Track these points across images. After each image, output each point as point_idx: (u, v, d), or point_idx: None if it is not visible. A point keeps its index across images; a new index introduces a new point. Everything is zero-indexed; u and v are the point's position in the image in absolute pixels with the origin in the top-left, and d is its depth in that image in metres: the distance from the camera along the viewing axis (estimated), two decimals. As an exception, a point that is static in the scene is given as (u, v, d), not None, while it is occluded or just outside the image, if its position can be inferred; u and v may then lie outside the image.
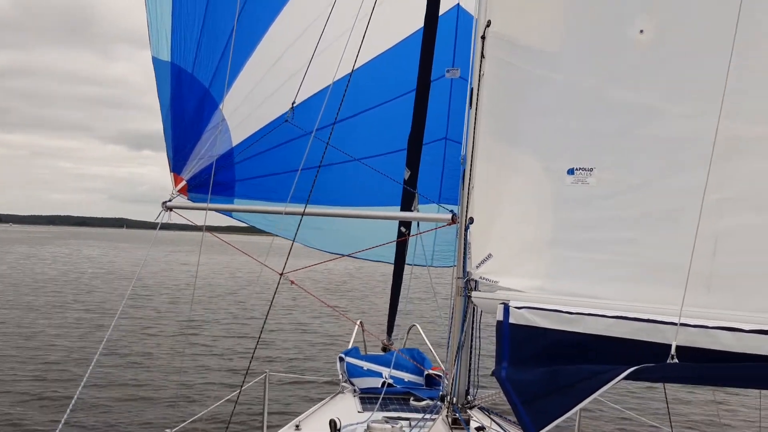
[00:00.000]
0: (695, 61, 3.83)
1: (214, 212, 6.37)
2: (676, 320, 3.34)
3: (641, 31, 3.97)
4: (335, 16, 5.39)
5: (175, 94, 6.43)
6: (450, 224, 5.08)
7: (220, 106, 6.44)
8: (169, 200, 6.31)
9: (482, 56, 4.46)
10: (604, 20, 4.12)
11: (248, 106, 6.52)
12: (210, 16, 6.12)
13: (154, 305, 25.02)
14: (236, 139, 6.63)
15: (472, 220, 4.60)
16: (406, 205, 5.82)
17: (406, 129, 5.88)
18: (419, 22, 5.66)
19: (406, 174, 6.07)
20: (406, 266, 6.86)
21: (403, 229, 6.63)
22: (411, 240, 6.34)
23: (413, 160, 6.02)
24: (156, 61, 6.36)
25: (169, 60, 6.30)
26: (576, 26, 4.19)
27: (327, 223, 7.08)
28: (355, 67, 5.21)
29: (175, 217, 6.25)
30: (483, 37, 4.43)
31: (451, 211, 5.12)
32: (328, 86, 5.40)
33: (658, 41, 3.93)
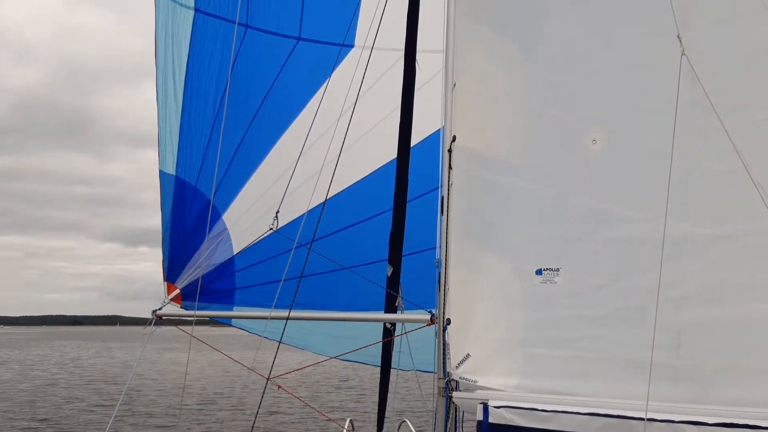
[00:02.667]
0: (643, 167, 4.16)
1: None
2: (644, 415, 3.51)
3: (594, 141, 4.32)
4: (328, 137, 5.81)
5: (177, 206, 6.79)
6: (429, 325, 5.27)
7: (223, 216, 6.80)
8: (160, 308, 6.50)
9: (450, 167, 4.79)
10: (559, 132, 4.48)
11: (251, 217, 6.87)
12: (216, 132, 6.56)
13: (139, 419, 23.51)
14: (237, 247, 6.94)
15: (449, 322, 4.79)
16: (390, 307, 6.02)
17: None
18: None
19: (389, 270, 6.30)
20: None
21: (388, 326, 6.81)
22: (396, 343, 6.50)
23: (395, 257, 6.28)
24: (162, 175, 6.77)
25: (174, 173, 6.71)
26: (534, 139, 4.55)
27: (317, 326, 7.26)
28: (349, 185, 5.61)
29: (168, 309, 6.46)
30: (449, 151, 4.78)
31: (430, 311, 5.32)
32: (323, 202, 5.75)
33: (609, 150, 4.28)
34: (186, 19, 6.55)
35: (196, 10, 6.52)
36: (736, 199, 3.79)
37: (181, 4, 6.52)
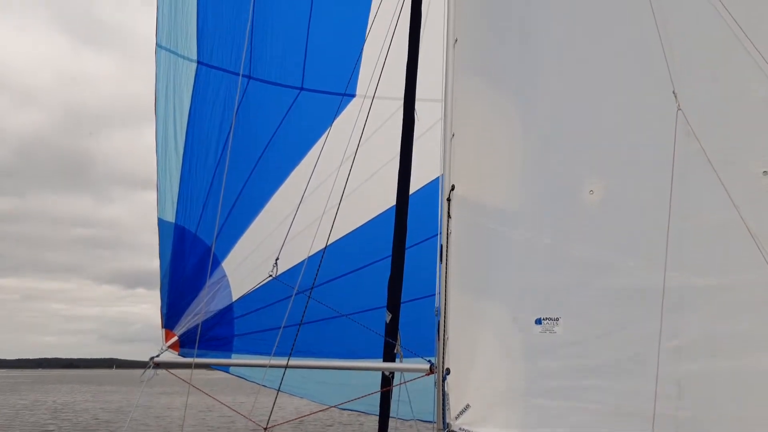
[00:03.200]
0: (641, 218, 4.20)
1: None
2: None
3: (591, 192, 4.36)
4: (329, 184, 5.87)
5: (176, 253, 6.81)
6: (428, 375, 5.23)
7: (222, 263, 6.82)
8: (157, 355, 6.46)
9: (449, 216, 4.83)
10: (557, 182, 4.53)
11: (250, 264, 6.88)
12: (217, 180, 6.63)
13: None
14: (237, 294, 6.94)
15: (448, 371, 4.76)
16: (389, 355, 5.98)
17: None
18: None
19: (388, 317, 6.28)
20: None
21: (387, 373, 6.75)
22: (395, 392, 6.45)
23: (394, 303, 6.27)
24: (161, 223, 6.80)
25: (174, 221, 6.75)
26: (533, 188, 4.59)
27: (315, 373, 7.20)
28: (349, 232, 5.63)
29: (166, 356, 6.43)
30: (448, 199, 4.82)
31: (429, 361, 5.28)
32: (323, 248, 5.77)
33: (607, 200, 4.32)
34: (188, 71, 6.67)
35: (199, 62, 6.65)
36: (735, 250, 3.82)
37: (184, 57, 6.65)
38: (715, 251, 3.93)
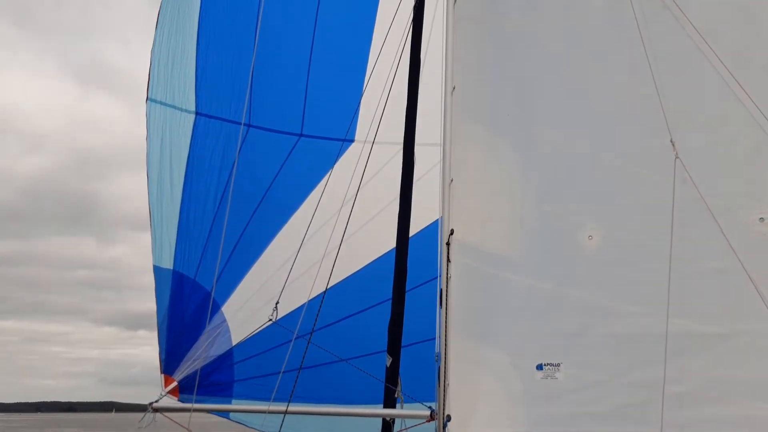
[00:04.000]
0: (641, 264, 4.19)
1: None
2: None
3: (590, 237, 4.37)
4: (328, 228, 5.89)
5: (174, 299, 6.79)
6: (429, 421, 5.16)
7: (222, 308, 6.80)
8: (156, 401, 6.40)
9: (448, 260, 4.82)
10: (556, 227, 4.53)
11: (250, 308, 6.86)
12: (216, 227, 6.65)
13: None
14: (236, 338, 6.91)
15: (449, 418, 4.70)
16: (389, 400, 5.92)
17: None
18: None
19: (388, 361, 6.24)
20: None
21: (387, 419, 6.67)
22: None
23: (394, 347, 6.23)
24: (157, 270, 6.80)
25: (171, 268, 6.75)
26: (532, 233, 4.60)
27: (315, 418, 7.11)
28: (349, 275, 5.62)
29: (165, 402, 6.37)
30: (448, 244, 4.82)
31: (430, 407, 5.22)
32: (323, 292, 5.76)
33: (606, 246, 4.32)
34: (186, 122, 6.76)
35: (198, 113, 6.74)
36: (736, 297, 3.81)
37: (181, 109, 6.74)
38: (717, 298, 3.92)
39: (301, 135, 6.89)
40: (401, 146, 5.75)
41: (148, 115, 6.82)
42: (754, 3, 3.98)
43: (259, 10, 6.46)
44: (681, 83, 4.05)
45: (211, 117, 6.76)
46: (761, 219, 3.76)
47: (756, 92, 3.74)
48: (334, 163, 6.61)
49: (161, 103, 6.83)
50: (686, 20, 3.96)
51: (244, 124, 6.63)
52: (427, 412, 5.16)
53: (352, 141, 6.77)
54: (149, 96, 6.84)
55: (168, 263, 6.78)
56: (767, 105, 3.73)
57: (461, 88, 4.76)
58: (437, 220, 6.59)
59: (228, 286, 6.80)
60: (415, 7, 5.36)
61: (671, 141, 3.83)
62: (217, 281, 6.62)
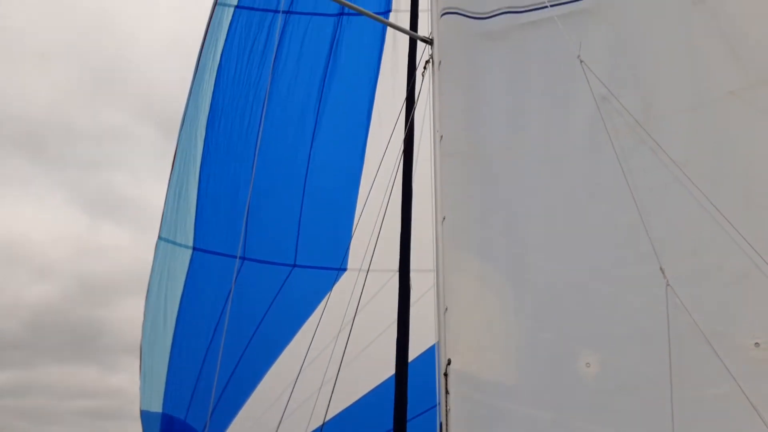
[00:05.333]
0: (641, 390, 4.13)
1: None
2: None
3: (588, 365, 4.33)
4: (324, 359, 5.84)
5: None
6: None
7: None
8: None
9: (446, 392, 4.74)
10: (553, 355, 4.50)
11: None
12: (207, 364, 6.56)
13: None
14: None
15: None
16: None
17: None
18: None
19: None
20: None
21: None
22: None
23: None
24: (145, 416, 6.63)
25: (161, 411, 6.59)
26: (529, 361, 4.56)
27: None
28: (347, 406, 5.48)
29: None
30: (445, 374, 4.76)
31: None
32: (320, 426, 5.64)
33: (604, 374, 4.28)
34: (184, 258, 6.86)
35: (195, 248, 6.85)
36: (740, 423, 3.74)
37: (181, 245, 6.86)
38: (719, 424, 3.85)
39: (294, 265, 6.95)
40: (394, 273, 5.80)
41: (155, 254, 6.96)
42: (728, 135, 4.18)
43: (255, 145, 6.71)
44: (664, 212, 4.16)
45: (206, 252, 6.85)
46: (756, 344, 3.76)
47: (736, 219, 3.84)
48: (327, 293, 6.63)
49: (166, 240, 6.98)
50: (663, 153, 4.13)
51: (239, 257, 6.70)
52: None
53: (345, 270, 6.83)
54: (160, 235, 7.02)
55: (157, 407, 6.63)
56: (749, 231, 3.82)
57: (451, 219, 4.87)
58: (434, 345, 6.56)
59: (221, 424, 6.61)
60: (404, 140, 5.58)
61: (660, 268, 3.89)
62: (209, 421, 6.46)
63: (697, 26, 4.42)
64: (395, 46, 6.72)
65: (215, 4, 7.23)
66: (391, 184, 5.60)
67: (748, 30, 4.25)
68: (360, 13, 5.95)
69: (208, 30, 7.23)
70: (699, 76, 4.34)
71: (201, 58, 7.29)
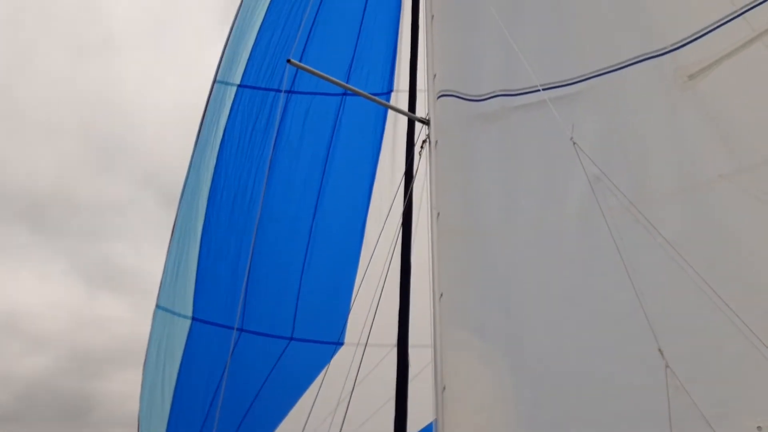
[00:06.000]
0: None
1: None
2: None
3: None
4: (324, 430, 5.76)
5: None
6: None
7: None
8: None
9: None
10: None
11: None
12: None
13: None
14: None
15: None
16: None
17: None
18: None
19: None
20: None
21: None
22: None
23: None
24: None
25: None
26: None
27: None
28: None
29: None
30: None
31: None
32: None
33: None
34: (182, 327, 6.86)
35: (194, 319, 6.85)
36: None
37: (180, 315, 6.86)
38: None
39: (291, 338, 6.93)
40: (392, 347, 5.78)
41: (153, 323, 6.95)
42: (720, 218, 4.25)
43: (256, 219, 6.80)
44: (660, 291, 4.19)
45: (205, 322, 6.85)
46: (759, 428, 3.73)
47: (733, 301, 3.87)
48: (324, 366, 6.59)
49: (165, 309, 6.98)
50: (657, 233, 4.19)
51: (237, 329, 6.70)
52: None
53: (342, 344, 6.80)
54: (158, 304, 7.03)
55: None
56: (746, 313, 3.84)
57: (448, 296, 4.88)
58: (431, 423, 6.47)
59: None
60: (403, 215, 5.66)
61: (659, 349, 3.89)
62: None
63: (686, 110, 4.56)
64: (396, 124, 6.89)
65: (214, 82, 7.45)
66: (390, 258, 5.65)
67: (735, 115, 4.38)
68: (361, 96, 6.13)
69: (208, 106, 7.42)
70: (689, 159, 4.45)
71: (202, 133, 7.46)
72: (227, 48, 7.46)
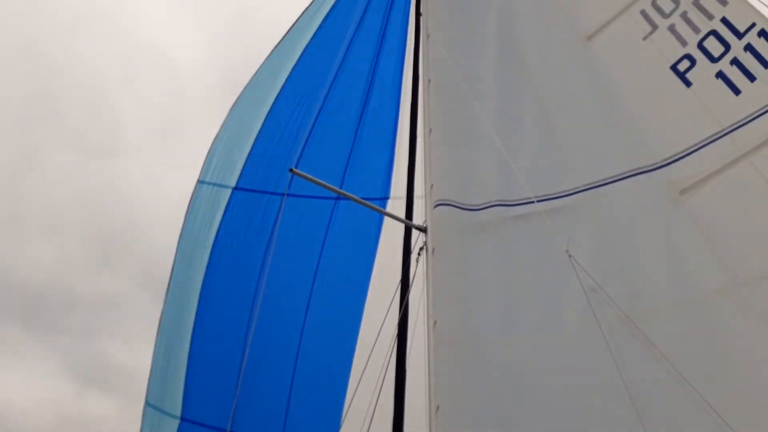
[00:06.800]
0: None
1: None
2: None
3: None
4: None
5: None
6: None
7: None
8: None
9: None
10: None
11: None
12: None
13: None
14: None
15: None
16: None
17: None
18: None
19: None
20: None
21: None
22: None
23: None
24: None
25: None
26: None
27: None
28: None
29: None
30: None
31: None
32: None
33: None
34: (171, 427, 6.69)
35: (183, 419, 6.69)
36: None
37: (169, 415, 6.70)
38: None
39: None
40: None
41: (143, 419, 6.81)
42: (716, 332, 4.25)
43: (248, 322, 6.74)
44: (659, 406, 4.13)
45: (195, 423, 6.67)
46: None
47: (731, 417, 3.81)
48: None
49: (154, 407, 6.84)
50: (652, 346, 4.18)
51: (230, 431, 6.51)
52: None
53: None
54: (147, 400, 6.90)
55: None
56: (745, 430, 3.78)
57: (444, 408, 4.76)
58: None
59: None
60: (399, 324, 5.62)
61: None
62: None
63: (678, 224, 4.64)
64: (391, 231, 6.94)
65: (199, 182, 7.51)
66: (384, 368, 5.56)
67: (728, 230, 4.47)
68: (357, 202, 6.20)
69: (195, 206, 7.43)
70: (683, 273, 4.49)
71: (189, 231, 7.42)
72: (219, 151, 7.55)
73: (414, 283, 5.54)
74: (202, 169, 7.42)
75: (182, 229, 7.54)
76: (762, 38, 4.79)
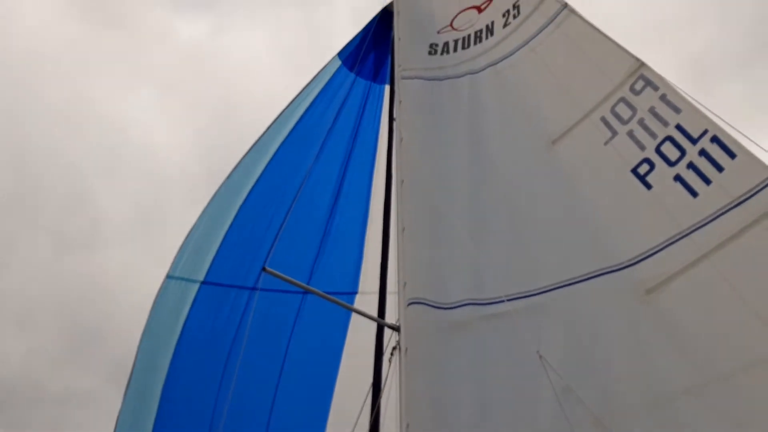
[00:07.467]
0: None
1: None
2: None
3: None
4: None
5: None
6: None
7: None
8: None
9: None
10: None
11: None
12: None
13: None
14: None
15: None
16: None
17: None
18: None
19: None
20: None
21: None
22: None
23: None
24: None
25: None
26: None
27: None
28: None
29: None
30: None
31: None
32: None
33: None
34: None
35: None
36: None
37: None
38: None
39: None
40: None
41: None
42: (687, 425, 4.26)
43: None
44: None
45: None
46: None
47: None
48: None
49: None
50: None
51: None
52: None
53: None
54: None
55: None
56: None
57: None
58: None
59: None
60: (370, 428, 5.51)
61: None
62: None
63: (646, 323, 4.72)
64: (358, 327, 6.92)
65: (166, 277, 7.44)
66: None
67: (695, 329, 4.55)
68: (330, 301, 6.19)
69: (161, 300, 7.33)
70: (653, 372, 4.53)
71: (153, 326, 7.29)
72: (189, 247, 7.53)
73: (386, 383, 5.47)
74: (171, 264, 7.36)
75: (146, 325, 7.40)
76: (714, 143, 5.05)
